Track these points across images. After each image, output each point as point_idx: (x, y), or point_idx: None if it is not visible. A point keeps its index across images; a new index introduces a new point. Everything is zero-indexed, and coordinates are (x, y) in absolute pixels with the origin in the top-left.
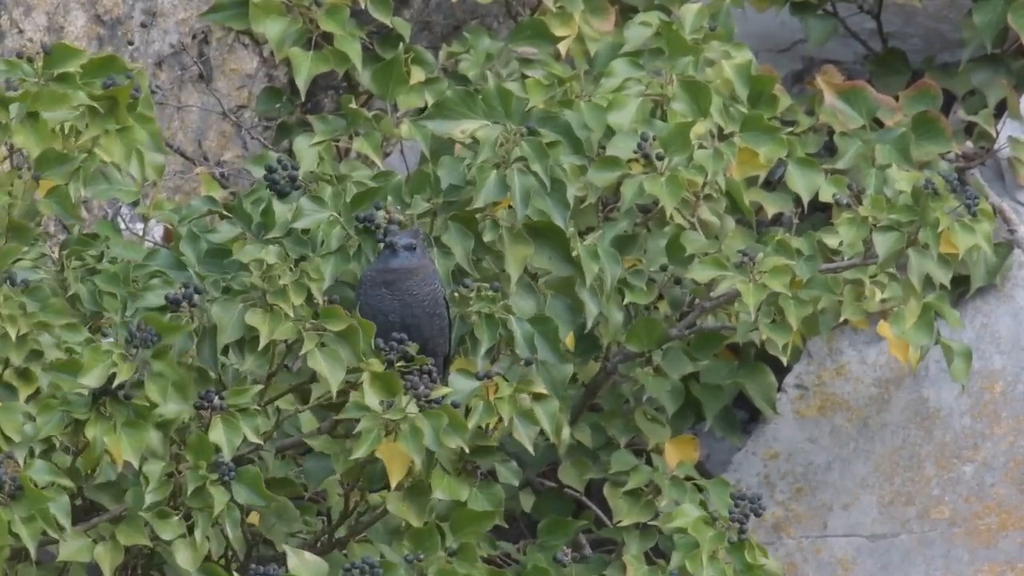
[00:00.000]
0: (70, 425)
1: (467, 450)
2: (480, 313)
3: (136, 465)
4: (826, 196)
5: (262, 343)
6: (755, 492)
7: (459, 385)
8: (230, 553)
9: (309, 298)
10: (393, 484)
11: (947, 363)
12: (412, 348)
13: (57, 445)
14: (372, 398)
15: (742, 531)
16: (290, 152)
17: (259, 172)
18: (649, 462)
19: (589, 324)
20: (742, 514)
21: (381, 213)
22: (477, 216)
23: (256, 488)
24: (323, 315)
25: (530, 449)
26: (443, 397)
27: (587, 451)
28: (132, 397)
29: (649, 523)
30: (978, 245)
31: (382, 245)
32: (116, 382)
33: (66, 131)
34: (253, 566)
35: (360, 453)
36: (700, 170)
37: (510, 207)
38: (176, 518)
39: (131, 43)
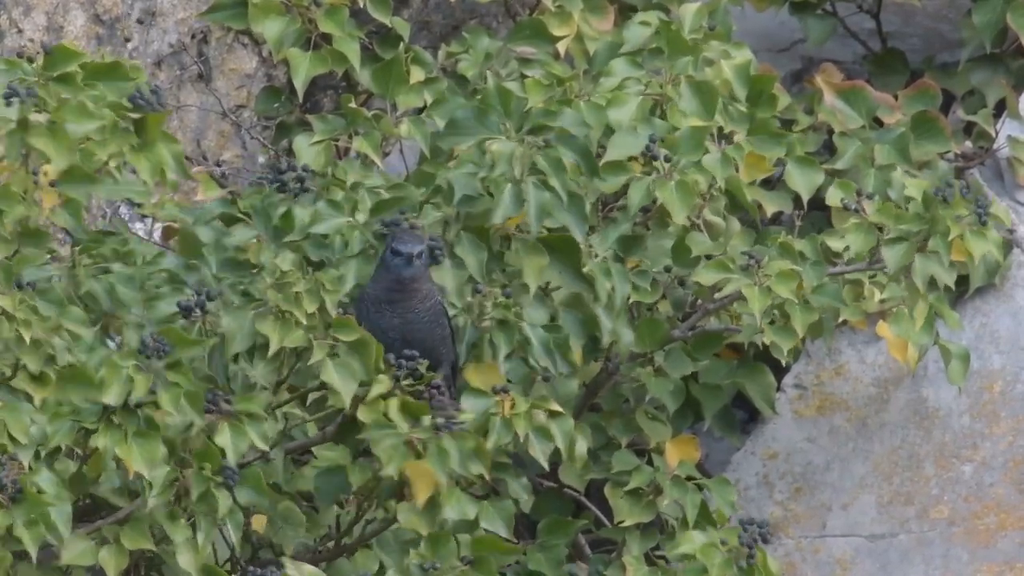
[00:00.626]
0: (80, 432)
1: (488, 478)
2: (495, 320)
3: (147, 475)
4: (833, 201)
5: (271, 350)
6: (763, 519)
7: (473, 403)
8: (235, 557)
9: (323, 307)
10: (420, 502)
11: (944, 365)
12: (422, 365)
13: (63, 449)
14: (398, 415)
15: (751, 557)
16: (289, 151)
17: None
18: (650, 462)
19: (605, 340)
20: (751, 539)
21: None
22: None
23: (258, 488)
24: (336, 325)
25: (545, 465)
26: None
27: (588, 451)
28: (142, 406)
29: (651, 526)
30: (988, 251)
31: (388, 253)
32: (133, 396)
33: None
34: (251, 568)
35: (390, 470)
36: (708, 174)
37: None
38: (182, 521)
39: (128, 40)
